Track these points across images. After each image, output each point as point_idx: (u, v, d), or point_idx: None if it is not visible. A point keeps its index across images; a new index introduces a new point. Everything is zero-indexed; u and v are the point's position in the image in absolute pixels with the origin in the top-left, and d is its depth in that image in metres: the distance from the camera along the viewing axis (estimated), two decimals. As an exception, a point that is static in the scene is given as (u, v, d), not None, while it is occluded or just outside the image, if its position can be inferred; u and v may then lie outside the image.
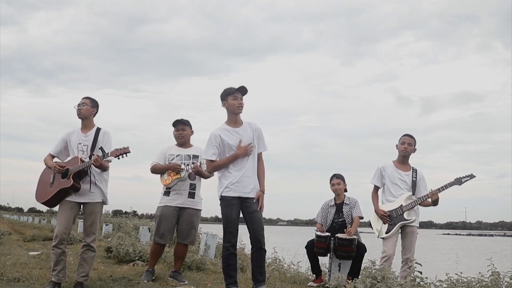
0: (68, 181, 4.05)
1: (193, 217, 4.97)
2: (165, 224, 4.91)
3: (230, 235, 3.93)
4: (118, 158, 4.09)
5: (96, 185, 4.19)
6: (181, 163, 4.92)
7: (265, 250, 4.04)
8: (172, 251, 5.61)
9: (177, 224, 4.98)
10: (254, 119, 4.22)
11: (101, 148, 4.10)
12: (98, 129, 4.30)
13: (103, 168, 4.18)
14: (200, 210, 5.07)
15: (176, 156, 4.99)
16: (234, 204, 3.95)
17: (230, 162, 3.99)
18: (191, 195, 4.95)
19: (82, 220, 4.45)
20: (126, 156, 4.11)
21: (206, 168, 4.37)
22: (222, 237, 4.00)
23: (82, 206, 4.22)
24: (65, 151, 4.31)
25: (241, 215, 4.03)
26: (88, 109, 4.28)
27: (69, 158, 4.22)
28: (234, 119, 4.10)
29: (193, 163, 4.89)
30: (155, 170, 4.98)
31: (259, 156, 4.15)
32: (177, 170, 4.87)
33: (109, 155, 4.09)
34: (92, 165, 4.09)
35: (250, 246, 4.08)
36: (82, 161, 4.10)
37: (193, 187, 4.97)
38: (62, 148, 4.31)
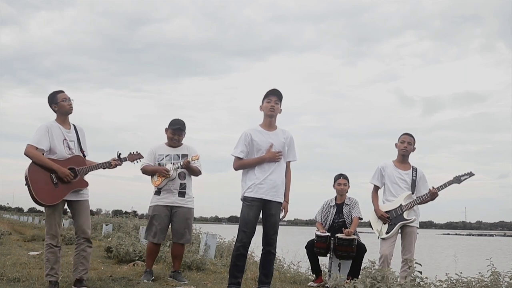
0: (84, 182, 4.09)
1: (186, 215, 4.97)
2: (158, 223, 4.91)
3: (243, 234, 3.96)
4: (135, 163, 4.39)
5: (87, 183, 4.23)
6: (171, 162, 4.92)
7: (274, 254, 4.10)
8: (170, 251, 5.61)
9: (171, 224, 4.98)
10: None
11: (118, 153, 4.22)
12: (74, 125, 4.25)
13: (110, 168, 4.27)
14: (192, 208, 5.07)
15: (166, 156, 4.97)
16: (254, 205, 3.98)
17: (256, 164, 4.02)
18: (181, 194, 4.94)
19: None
20: (140, 161, 4.47)
21: (233, 165, 4.20)
22: (236, 235, 4.04)
23: (68, 203, 4.15)
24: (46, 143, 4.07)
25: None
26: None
27: (65, 155, 4.05)
28: (268, 122, 4.13)
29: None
30: (145, 171, 4.97)
31: (287, 165, 4.17)
32: (163, 175, 4.86)
33: (126, 159, 4.26)
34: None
35: (254, 248, 4.12)
36: (91, 162, 4.14)
37: (183, 186, 4.95)
38: (45, 141, 4.00)
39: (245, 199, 4.02)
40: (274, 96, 4.08)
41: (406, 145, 4.78)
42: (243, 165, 4.07)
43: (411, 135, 4.83)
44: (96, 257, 6.87)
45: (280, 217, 4.07)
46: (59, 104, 4.12)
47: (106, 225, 13.85)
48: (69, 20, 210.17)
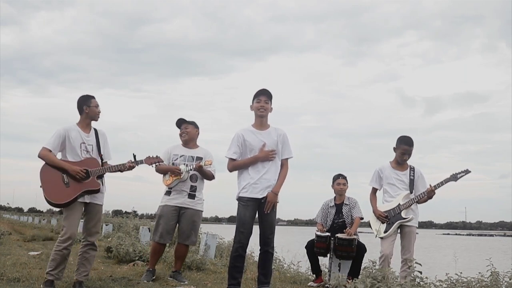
0: (96, 183, 4.06)
1: (194, 217, 4.97)
2: (164, 223, 4.92)
3: (241, 235, 3.94)
4: (152, 166, 4.38)
5: (103, 187, 4.23)
6: (184, 164, 4.94)
7: (272, 253, 4.07)
8: (172, 251, 5.61)
9: (178, 224, 4.99)
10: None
11: (134, 155, 4.20)
12: (96, 130, 4.28)
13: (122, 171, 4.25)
14: (201, 211, 5.07)
15: (180, 157, 5.01)
16: (249, 205, 3.96)
17: (250, 164, 4.01)
18: (191, 196, 4.96)
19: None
20: (159, 165, 4.55)
21: (227, 166, 4.20)
22: (234, 236, 4.03)
23: (85, 205, 4.17)
24: (60, 147, 4.15)
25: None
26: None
27: (81, 158, 4.10)
28: (259, 121, 4.13)
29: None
30: (159, 170, 5.00)
31: (284, 162, 4.14)
32: (175, 174, 4.89)
33: (143, 162, 4.24)
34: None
35: (254, 248, 4.09)
36: (103, 163, 4.13)
37: (193, 189, 4.97)
38: (59, 144, 4.12)
39: (240, 199, 4.00)
40: (263, 95, 4.07)
41: (406, 157, 4.78)
42: (237, 166, 4.06)
43: (411, 145, 4.75)
44: (96, 257, 6.83)
45: (265, 209, 3.93)
46: (91, 108, 4.19)
47: (106, 225, 13.85)
48: (69, 20, 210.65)
